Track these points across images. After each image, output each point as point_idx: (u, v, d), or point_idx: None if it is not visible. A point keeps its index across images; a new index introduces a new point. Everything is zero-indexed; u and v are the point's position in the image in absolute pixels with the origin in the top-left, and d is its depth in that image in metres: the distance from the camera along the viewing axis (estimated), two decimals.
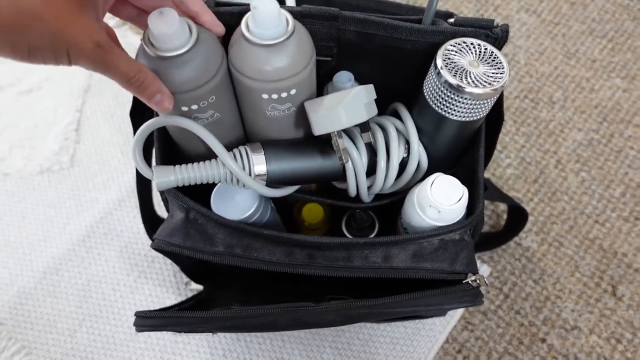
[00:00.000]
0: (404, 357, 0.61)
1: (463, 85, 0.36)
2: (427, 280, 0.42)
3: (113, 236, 0.68)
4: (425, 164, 0.44)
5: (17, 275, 0.66)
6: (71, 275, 0.66)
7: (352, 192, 0.44)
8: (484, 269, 0.64)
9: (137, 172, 0.52)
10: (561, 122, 0.73)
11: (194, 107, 0.37)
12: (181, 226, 0.43)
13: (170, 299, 0.64)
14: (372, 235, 0.51)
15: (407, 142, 0.44)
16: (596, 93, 0.75)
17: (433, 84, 0.38)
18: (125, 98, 0.76)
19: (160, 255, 0.66)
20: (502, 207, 0.68)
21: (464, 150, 0.47)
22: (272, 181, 0.41)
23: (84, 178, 0.72)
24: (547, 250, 0.66)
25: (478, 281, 0.41)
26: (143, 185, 0.54)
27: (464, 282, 0.41)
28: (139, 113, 0.47)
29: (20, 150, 0.74)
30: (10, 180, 0.72)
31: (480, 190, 0.43)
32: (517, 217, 0.60)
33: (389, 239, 0.42)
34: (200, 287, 0.63)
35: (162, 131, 0.44)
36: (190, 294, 0.64)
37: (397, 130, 0.44)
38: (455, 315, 0.62)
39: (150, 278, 0.65)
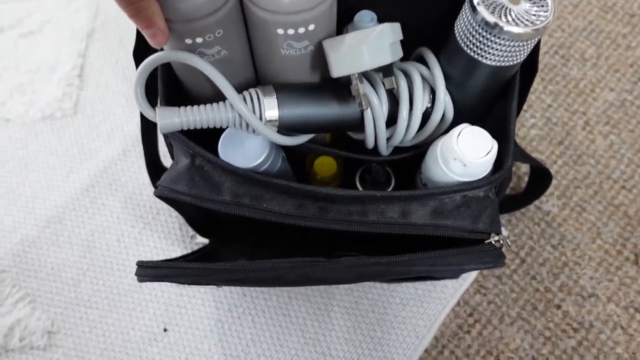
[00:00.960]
0: (414, 317, 0.59)
1: (502, 24, 0.32)
2: (446, 238, 0.40)
3: (117, 187, 0.66)
4: (450, 115, 0.41)
5: (20, 222, 0.64)
6: (74, 225, 0.64)
7: (370, 143, 0.41)
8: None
9: (142, 117, 0.49)
10: (592, 81, 0.69)
11: (199, 40, 0.33)
12: (186, 173, 0.40)
13: (175, 252, 0.62)
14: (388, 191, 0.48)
15: (433, 91, 0.40)
16: (632, 51, 0.70)
17: (467, 23, 0.34)
18: (130, 43, 0.72)
19: (166, 207, 0.64)
20: (524, 168, 0.65)
21: (493, 103, 0.44)
22: (284, 128, 0.38)
23: (88, 126, 0.69)
24: (568, 215, 0.63)
25: (501, 242, 0.39)
26: (148, 132, 0.51)
27: (486, 242, 0.39)
28: (143, 53, 0.44)
29: (21, 95, 0.72)
30: (12, 127, 0.70)
31: (510, 145, 0.39)
32: (540, 179, 0.57)
33: (407, 193, 0.39)
34: (206, 241, 0.61)
35: (167, 70, 0.41)
36: (196, 248, 0.63)
37: (423, 77, 0.40)
38: (468, 278, 0.60)
39: (156, 230, 0.63)
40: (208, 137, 0.42)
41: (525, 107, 0.68)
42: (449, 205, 0.39)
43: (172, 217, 0.64)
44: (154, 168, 0.55)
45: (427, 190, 0.41)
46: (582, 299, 0.59)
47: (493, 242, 0.38)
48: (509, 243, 0.40)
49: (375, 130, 0.40)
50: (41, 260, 0.62)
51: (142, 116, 0.49)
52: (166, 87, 0.40)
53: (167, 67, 0.41)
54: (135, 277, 0.61)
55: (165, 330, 0.59)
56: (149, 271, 0.39)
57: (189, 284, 0.49)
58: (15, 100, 0.71)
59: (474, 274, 0.60)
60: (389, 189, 0.48)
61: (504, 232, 0.62)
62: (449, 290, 0.60)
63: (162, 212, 0.64)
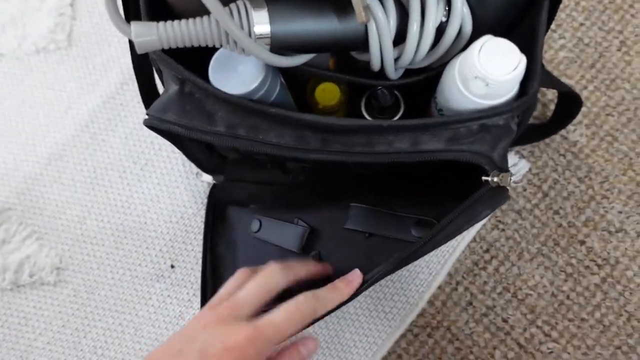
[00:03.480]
0: (427, 254, 0.57)
1: None
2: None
3: (117, 122, 0.63)
4: (468, 28, 0.36)
5: (21, 160, 0.63)
6: (76, 162, 0.62)
7: (376, 64, 0.37)
8: (522, 165, 0.57)
9: (131, 42, 0.45)
10: None
11: None
12: (175, 100, 0.37)
13: (179, 189, 0.60)
14: (396, 118, 0.44)
15: (448, 1, 0.35)
16: None
17: None
18: None
19: (168, 143, 0.61)
20: (550, 95, 0.60)
21: (518, 18, 0.38)
22: (278, 46, 0.33)
23: (83, 59, 0.66)
24: (597, 145, 0.58)
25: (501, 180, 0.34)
26: (140, 59, 0.48)
27: (483, 178, 0.35)
28: None
29: (13, 27, 0.68)
30: (7, 62, 0.67)
31: (537, 65, 0.35)
32: (568, 105, 0.52)
33: (418, 122, 0.35)
34: (210, 179, 0.59)
35: None
36: (200, 185, 0.61)
37: None
38: None
39: (158, 167, 0.61)
40: (200, 63, 0.38)
41: (553, 26, 0.61)
42: (465, 134, 0.35)
43: (174, 153, 0.61)
44: (151, 101, 0.52)
45: (440, 118, 0.37)
46: (608, 235, 0.55)
47: (494, 180, 0.34)
48: (511, 183, 0.36)
49: (381, 49, 0.35)
50: (45, 198, 0.61)
51: (131, 41, 0.45)
52: (147, 3, 0.36)
53: None
54: (140, 214, 0.60)
55: (172, 266, 0.58)
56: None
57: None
58: (8, 34, 0.68)
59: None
60: (398, 115, 0.43)
61: (525, 165, 0.58)
62: None
63: (164, 149, 0.62)
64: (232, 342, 0.32)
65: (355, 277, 0.38)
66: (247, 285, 0.36)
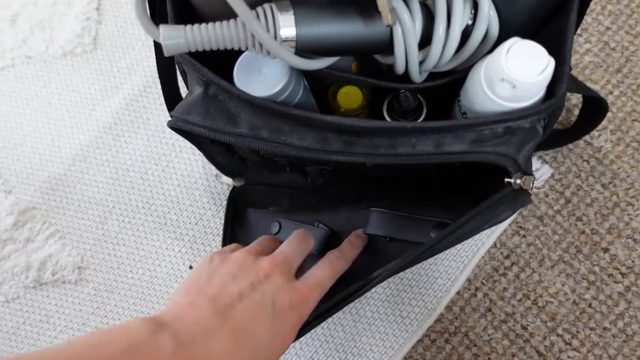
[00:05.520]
0: (446, 259, 0.56)
1: None
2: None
3: (139, 124, 0.64)
4: (495, 32, 0.35)
5: (47, 161, 0.64)
6: (99, 163, 0.63)
7: (401, 67, 0.37)
8: (544, 170, 0.57)
9: (155, 45, 0.46)
10: None
11: None
12: (199, 102, 0.37)
13: (198, 190, 0.61)
14: (419, 121, 0.44)
15: (475, 4, 0.35)
16: None
17: None
18: None
19: (189, 145, 0.62)
20: (574, 100, 0.59)
21: (546, 20, 0.38)
22: (303, 49, 0.34)
23: (108, 62, 0.67)
24: (622, 151, 0.57)
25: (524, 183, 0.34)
26: (165, 62, 0.48)
27: (506, 180, 0.34)
28: None
29: (41, 31, 0.69)
30: (34, 64, 0.68)
31: (565, 67, 0.34)
32: (594, 110, 0.51)
33: (442, 124, 0.35)
34: (230, 181, 0.59)
35: None
36: (219, 187, 0.61)
37: None
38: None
39: (179, 168, 0.62)
40: (224, 66, 0.39)
41: (579, 30, 0.60)
42: (489, 136, 0.35)
43: (194, 155, 0.62)
44: (173, 103, 0.52)
45: (465, 120, 0.37)
46: (633, 242, 0.54)
47: (517, 182, 0.34)
48: (534, 186, 0.35)
49: (405, 52, 0.35)
50: (68, 198, 0.62)
51: (155, 44, 0.46)
52: (175, 5, 0.37)
53: None
54: (160, 215, 0.61)
55: (190, 267, 0.59)
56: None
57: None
58: (36, 37, 0.69)
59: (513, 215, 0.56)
60: (421, 119, 0.43)
61: (548, 171, 0.57)
62: (485, 231, 0.56)
63: (185, 151, 0.62)
64: (296, 300, 0.35)
65: (360, 233, 0.44)
66: (291, 245, 0.40)
